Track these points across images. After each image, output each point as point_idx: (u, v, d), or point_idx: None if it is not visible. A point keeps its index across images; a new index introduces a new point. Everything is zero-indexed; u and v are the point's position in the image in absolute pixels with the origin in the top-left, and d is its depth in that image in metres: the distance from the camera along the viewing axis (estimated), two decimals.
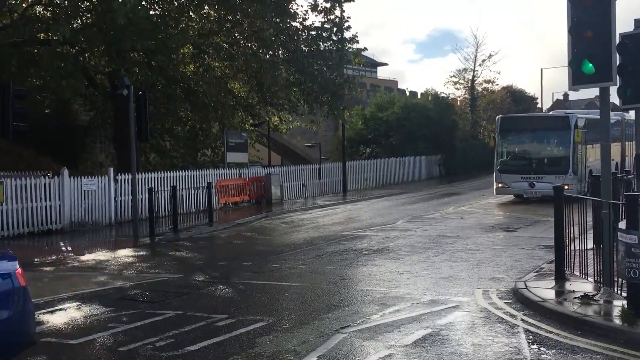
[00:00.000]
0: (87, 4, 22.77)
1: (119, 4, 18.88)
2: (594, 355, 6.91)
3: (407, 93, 56.39)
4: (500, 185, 24.80)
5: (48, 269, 13.48)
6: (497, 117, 25.28)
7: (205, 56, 25.39)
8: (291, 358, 7.00)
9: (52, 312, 9.53)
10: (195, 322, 8.63)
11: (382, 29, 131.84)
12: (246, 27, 24.76)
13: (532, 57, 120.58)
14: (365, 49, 31.02)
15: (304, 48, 26.60)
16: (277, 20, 24.96)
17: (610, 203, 9.36)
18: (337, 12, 27.36)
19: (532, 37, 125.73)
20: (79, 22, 23.26)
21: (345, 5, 27.83)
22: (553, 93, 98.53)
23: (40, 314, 9.37)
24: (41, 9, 24.24)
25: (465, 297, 9.69)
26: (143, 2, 21.87)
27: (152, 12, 23.30)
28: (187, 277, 12.15)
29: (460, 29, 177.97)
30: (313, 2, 26.69)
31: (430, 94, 48.25)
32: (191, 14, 25.09)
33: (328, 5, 26.80)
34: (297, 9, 26.38)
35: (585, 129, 24.33)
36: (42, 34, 22.75)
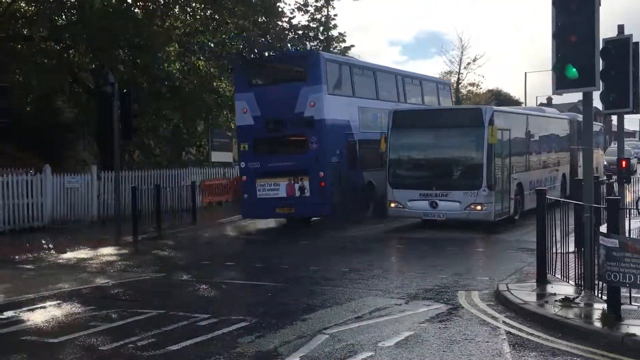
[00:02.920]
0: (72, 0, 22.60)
1: None
2: (574, 358, 6.97)
3: None
4: (393, 204, 17.85)
5: (29, 266, 13.36)
6: (389, 111, 18.69)
7: (192, 56, 25.28)
8: (274, 358, 6.99)
9: (32, 310, 9.44)
10: (178, 321, 8.59)
11: (368, 30, 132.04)
12: (232, 27, 24.67)
13: (518, 60, 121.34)
14: (353, 46, 31.02)
15: (290, 47, 26.56)
16: (264, 19, 24.90)
17: (591, 207, 9.43)
18: (324, 11, 27.38)
19: (517, 41, 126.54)
20: (63, 18, 23.07)
21: (335, 3, 27.82)
22: (537, 97, 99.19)
23: (21, 312, 9.30)
24: (25, 4, 24.02)
25: (447, 299, 9.73)
26: None
27: (136, 10, 23.18)
28: (169, 276, 12.10)
29: (447, 31, 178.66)
30: (302, 1, 26.68)
31: None
32: (177, 11, 24.96)
33: (319, 4, 26.80)
34: (284, 7, 26.39)
35: (509, 129, 18.17)
36: (26, 30, 22.54)
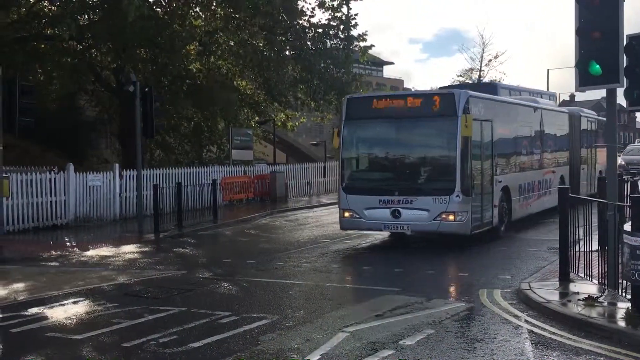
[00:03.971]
0: (95, 0, 22.81)
1: (127, 4, 18.86)
2: (597, 357, 6.89)
3: None
4: (346, 214, 14.75)
5: (53, 264, 13.52)
6: (343, 99, 15.94)
7: (212, 56, 25.42)
8: (294, 356, 7.00)
9: (56, 307, 9.54)
10: (199, 318, 8.64)
11: (389, 29, 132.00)
12: (251, 26, 24.76)
13: (540, 57, 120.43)
14: (373, 46, 30.93)
15: (310, 45, 26.60)
16: (284, 16, 24.96)
17: (615, 205, 9.32)
18: (345, 9, 27.36)
19: (539, 37, 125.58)
20: (85, 17, 23.30)
21: (353, 4, 27.83)
22: (560, 94, 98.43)
23: (45, 309, 9.41)
24: (47, 4, 24.30)
25: (469, 297, 9.68)
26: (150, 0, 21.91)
27: (158, 9, 23.35)
28: (191, 274, 12.17)
29: (468, 28, 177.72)
30: (320, 0, 26.69)
31: None
32: (198, 10, 25.11)
33: (335, 3, 26.79)
34: (303, 6, 26.40)
35: (491, 120, 15.17)
36: (49, 30, 22.82)
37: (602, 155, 23.56)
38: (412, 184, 14.32)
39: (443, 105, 14.08)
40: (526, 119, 18.11)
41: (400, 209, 14.00)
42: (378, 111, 14.78)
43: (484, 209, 14.62)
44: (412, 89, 59.00)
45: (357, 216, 14.57)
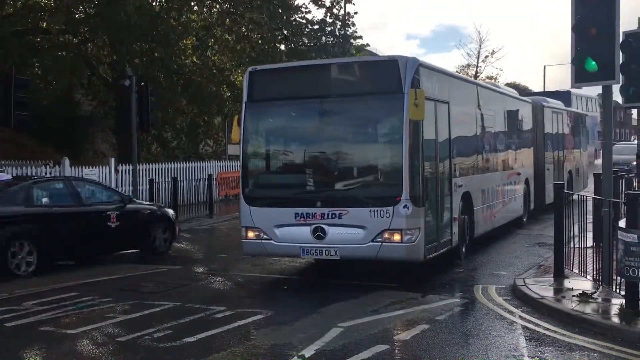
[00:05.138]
0: None
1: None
2: (591, 353, 6.91)
3: None
4: (251, 234, 10.70)
5: None
6: (247, 71, 11.31)
7: (207, 51, 25.36)
8: (289, 351, 7.01)
9: (50, 301, 9.53)
10: (194, 313, 8.64)
11: (386, 24, 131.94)
12: (246, 22, 24.67)
13: (537, 53, 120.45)
14: (368, 44, 31.03)
15: (306, 41, 26.56)
16: (280, 12, 24.93)
17: (610, 201, 9.34)
18: (341, 7, 27.36)
19: (536, 33, 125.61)
20: (81, 10, 23.22)
21: (349, 5, 27.86)
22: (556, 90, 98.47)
23: (39, 302, 9.39)
24: None
25: (464, 293, 9.70)
26: None
27: (154, 4, 23.29)
28: (186, 269, 12.17)
29: (465, 24, 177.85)
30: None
31: None
32: (193, 4, 25.04)
33: (328, 1, 26.80)
34: (299, 2, 26.41)
35: (448, 102, 11.30)
36: (44, 23, 22.74)
37: (571, 154, 21.46)
38: (342, 191, 10.37)
39: (383, 76, 10.29)
40: (489, 105, 14.28)
41: (325, 226, 10.01)
42: (293, 88, 10.79)
43: (441, 224, 10.87)
44: None
45: (265, 237, 10.45)
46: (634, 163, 25.58)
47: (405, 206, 9.71)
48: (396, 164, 9.98)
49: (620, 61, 9.10)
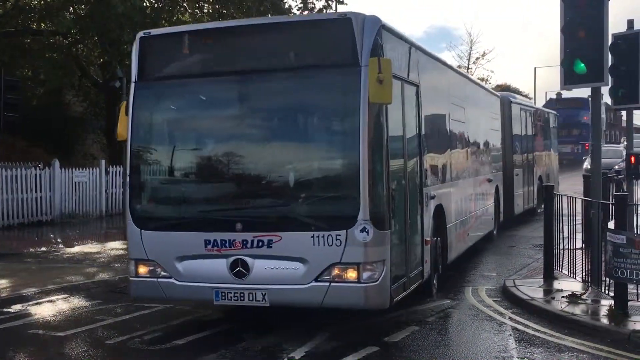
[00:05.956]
0: None
1: None
2: (580, 354, 6.94)
3: None
4: (143, 269, 7.62)
5: (36, 260, 13.41)
6: (137, 37, 7.90)
7: None
8: (279, 353, 7.00)
9: (40, 303, 9.49)
10: (184, 316, 8.62)
11: None
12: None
13: (527, 55, 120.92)
14: None
15: None
16: (270, 13, 24.96)
17: (599, 203, 9.38)
18: (332, 9, 27.33)
19: (527, 36, 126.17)
20: (71, 10, 23.15)
21: (340, 7, 27.79)
22: (546, 92, 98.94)
23: (28, 305, 9.35)
24: None
25: (455, 295, 9.71)
26: None
27: (145, 4, 23.24)
28: None
29: (456, 26, 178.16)
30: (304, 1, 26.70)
31: None
32: (185, 5, 25.03)
33: (320, 5, 26.84)
34: (289, 5, 26.46)
35: (417, 85, 8.57)
36: (35, 24, 22.65)
37: (541, 157, 19.77)
38: (272, 208, 7.39)
39: (331, 42, 7.27)
40: (463, 96, 12.02)
41: (248, 259, 7.18)
42: (203, 62, 7.80)
43: (411, 252, 8.09)
44: None
45: (163, 274, 7.56)
46: (617, 167, 25.52)
47: (363, 229, 6.80)
48: (350, 168, 6.94)
49: (609, 63, 9.15)
